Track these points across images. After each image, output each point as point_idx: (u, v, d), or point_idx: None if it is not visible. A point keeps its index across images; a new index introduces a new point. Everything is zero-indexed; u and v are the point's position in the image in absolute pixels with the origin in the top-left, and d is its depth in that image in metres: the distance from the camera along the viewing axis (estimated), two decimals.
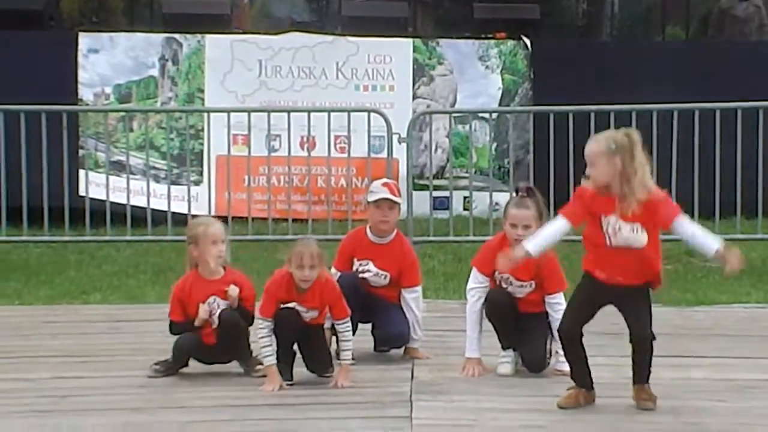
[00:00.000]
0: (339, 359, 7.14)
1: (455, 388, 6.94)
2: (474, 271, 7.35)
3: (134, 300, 9.72)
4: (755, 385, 7.06)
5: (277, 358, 7.00)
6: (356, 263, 7.69)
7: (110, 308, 9.43)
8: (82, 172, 12.71)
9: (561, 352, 7.15)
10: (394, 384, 7.05)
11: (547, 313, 7.25)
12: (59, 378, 7.22)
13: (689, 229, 6.36)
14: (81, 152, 12.94)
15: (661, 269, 6.48)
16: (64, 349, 7.99)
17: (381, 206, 7.63)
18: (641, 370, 6.51)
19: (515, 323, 7.28)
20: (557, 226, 6.48)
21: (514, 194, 7.35)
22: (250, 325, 7.24)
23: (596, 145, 6.38)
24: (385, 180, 8.09)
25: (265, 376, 7.03)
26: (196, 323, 7.21)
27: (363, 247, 7.69)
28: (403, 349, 7.71)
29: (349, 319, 7.11)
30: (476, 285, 7.31)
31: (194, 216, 10.57)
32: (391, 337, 7.66)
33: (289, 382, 7.01)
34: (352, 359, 7.16)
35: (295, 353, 7.12)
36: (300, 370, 7.13)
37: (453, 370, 7.29)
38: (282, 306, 7.00)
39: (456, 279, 10.04)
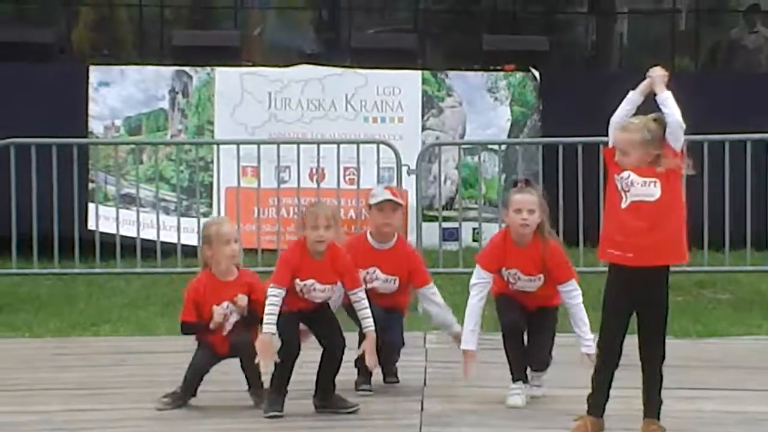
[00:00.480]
0: (362, 330, 7.09)
1: (465, 421, 6.93)
2: (477, 268, 7.32)
3: (144, 332, 9.72)
4: (767, 417, 7.03)
5: (271, 384, 7.01)
6: (362, 273, 7.47)
7: (120, 340, 9.44)
8: (91, 205, 12.70)
9: (584, 336, 7.05)
10: (403, 416, 7.04)
11: (556, 308, 7.30)
12: (69, 411, 7.23)
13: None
14: (91, 185, 12.96)
15: (683, 235, 6.38)
16: (74, 381, 7.99)
17: (384, 208, 7.54)
18: (652, 400, 6.46)
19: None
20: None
21: (513, 187, 7.41)
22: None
23: (630, 134, 6.33)
24: (386, 184, 8.01)
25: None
26: (211, 326, 7.21)
27: (366, 255, 7.55)
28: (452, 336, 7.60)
29: (363, 288, 7.12)
30: (480, 281, 7.28)
31: None
32: (382, 346, 7.35)
33: (279, 413, 6.96)
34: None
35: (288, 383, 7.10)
36: (306, 402, 7.12)
37: (462, 402, 7.28)
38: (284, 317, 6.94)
39: (465, 310, 9.99)
